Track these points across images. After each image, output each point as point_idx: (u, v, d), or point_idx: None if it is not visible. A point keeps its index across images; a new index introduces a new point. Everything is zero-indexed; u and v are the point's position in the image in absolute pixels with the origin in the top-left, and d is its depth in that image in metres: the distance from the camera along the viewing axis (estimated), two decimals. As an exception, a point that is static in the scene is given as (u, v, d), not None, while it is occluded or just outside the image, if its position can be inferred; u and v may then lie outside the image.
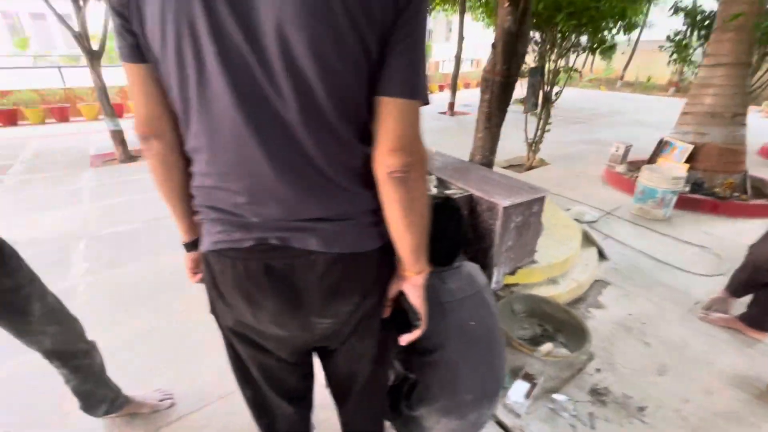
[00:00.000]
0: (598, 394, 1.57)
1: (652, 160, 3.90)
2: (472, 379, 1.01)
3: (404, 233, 0.66)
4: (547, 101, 4.19)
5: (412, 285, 0.75)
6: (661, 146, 3.89)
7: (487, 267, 1.87)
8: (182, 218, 0.77)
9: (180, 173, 0.69)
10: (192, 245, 0.82)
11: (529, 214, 2.17)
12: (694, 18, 4.26)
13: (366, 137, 0.62)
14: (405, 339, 0.81)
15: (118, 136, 4.65)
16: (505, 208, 1.96)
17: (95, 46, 4.25)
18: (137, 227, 2.97)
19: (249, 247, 0.64)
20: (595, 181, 4.18)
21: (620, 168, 4.05)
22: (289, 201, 0.61)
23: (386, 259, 0.73)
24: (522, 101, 4.06)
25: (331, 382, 0.92)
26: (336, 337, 0.77)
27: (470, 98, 9.68)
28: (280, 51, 0.51)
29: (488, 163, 2.51)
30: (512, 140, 5.83)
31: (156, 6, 0.51)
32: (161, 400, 1.54)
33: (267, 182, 0.59)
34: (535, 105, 3.98)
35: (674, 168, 3.20)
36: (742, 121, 3.53)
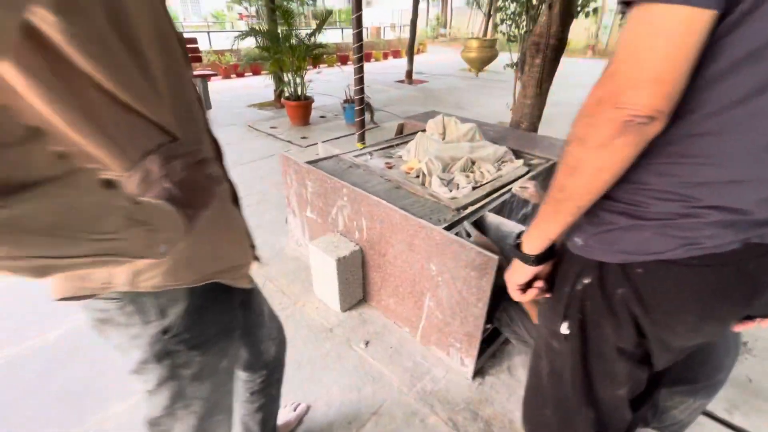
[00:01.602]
0: (707, 337, 1.72)
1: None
2: (726, 360, 1.01)
3: None
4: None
5: None
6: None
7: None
8: (568, 226, 0.60)
9: None
10: (546, 256, 0.66)
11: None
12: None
13: None
14: (743, 327, 0.76)
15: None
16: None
17: None
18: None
19: (731, 250, 0.52)
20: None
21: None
22: None
23: None
24: (514, 65, 4.09)
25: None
26: None
27: (419, 66, 9.54)
28: None
29: (534, 130, 2.49)
30: (485, 105, 5.94)
31: None
32: (295, 409, 1.36)
33: None
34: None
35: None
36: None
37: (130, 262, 0.46)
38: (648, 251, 0.55)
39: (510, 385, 1.49)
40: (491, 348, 1.61)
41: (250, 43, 4.85)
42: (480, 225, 1.57)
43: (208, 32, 9.44)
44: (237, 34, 4.52)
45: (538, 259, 0.67)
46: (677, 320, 0.59)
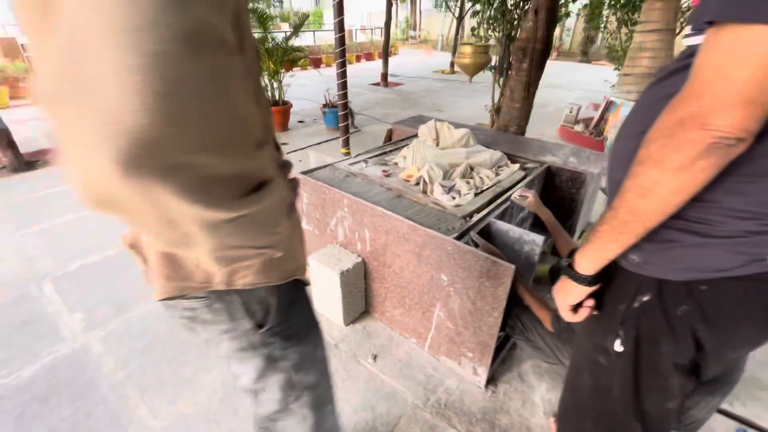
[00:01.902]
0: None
1: (602, 118, 4.41)
2: (744, 358, 1.04)
3: None
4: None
5: None
6: (608, 105, 4.42)
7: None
8: (629, 246, 0.59)
9: None
10: (601, 276, 0.65)
11: (599, 180, 2.27)
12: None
13: None
14: None
15: (4, 137, 3.45)
16: (593, 175, 2.00)
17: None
18: (111, 255, 2.29)
19: None
20: (557, 141, 4.58)
21: (578, 127, 4.50)
22: None
23: None
24: (492, 68, 4.16)
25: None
26: None
27: (392, 68, 9.55)
28: None
29: (522, 133, 2.52)
30: (462, 107, 6.02)
31: None
32: None
33: None
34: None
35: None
36: (670, 79, 4.20)
37: (273, 256, 0.49)
38: (715, 268, 0.54)
39: (523, 392, 1.49)
40: (500, 355, 1.61)
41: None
42: (486, 232, 1.56)
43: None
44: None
45: (594, 280, 0.65)
46: (738, 334, 0.59)
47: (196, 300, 0.55)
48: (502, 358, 1.61)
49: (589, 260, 0.64)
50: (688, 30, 0.55)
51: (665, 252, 0.58)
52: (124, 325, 1.77)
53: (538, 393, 1.48)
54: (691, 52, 0.54)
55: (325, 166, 2.00)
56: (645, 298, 0.62)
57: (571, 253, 0.69)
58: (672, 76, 0.57)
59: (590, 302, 0.70)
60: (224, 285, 0.52)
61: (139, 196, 0.26)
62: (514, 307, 1.42)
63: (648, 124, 0.59)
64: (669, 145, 0.48)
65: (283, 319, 0.61)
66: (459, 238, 1.41)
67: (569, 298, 0.70)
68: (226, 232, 0.33)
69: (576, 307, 0.71)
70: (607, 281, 0.68)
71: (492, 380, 1.53)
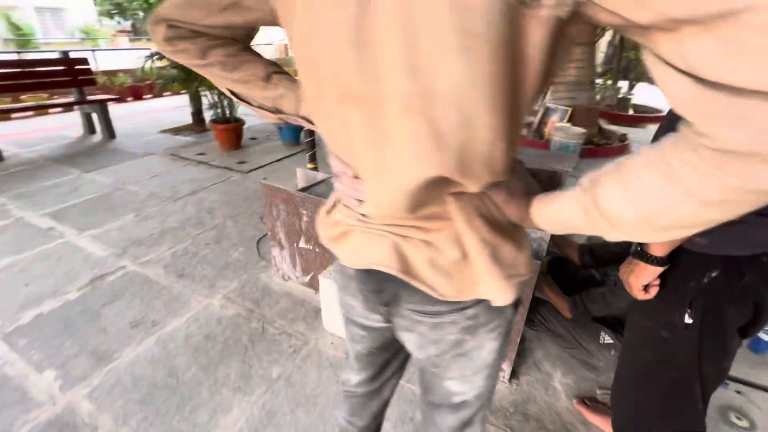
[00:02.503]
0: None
1: (542, 121, 4.86)
2: None
3: None
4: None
5: None
6: (546, 111, 4.89)
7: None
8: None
9: None
10: (671, 256, 0.74)
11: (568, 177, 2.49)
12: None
13: None
14: None
15: None
16: (565, 173, 2.21)
17: None
18: (72, 300, 2.01)
19: None
20: (506, 145, 4.94)
21: (522, 132, 4.91)
22: None
23: None
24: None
25: None
26: None
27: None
28: None
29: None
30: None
31: None
32: None
33: None
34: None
35: (575, 127, 4.13)
36: (594, 86, 4.77)
37: None
38: None
39: (543, 380, 1.59)
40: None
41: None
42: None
43: (93, 50, 8.14)
44: (148, 52, 4.02)
45: (666, 260, 0.75)
46: None
47: (478, 305, 0.54)
48: (517, 352, 1.70)
49: (663, 243, 0.73)
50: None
51: (732, 233, 0.68)
52: (111, 377, 1.56)
53: (556, 379, 1.59)
54: None
55: (320, 182, 1.97)
56: (714, 274, 0.72)
57: None
58: None
59: (657, 281, 0.80)
60: (527, 275, 0.53)
61: None
62: (531, 301, 1.52)
63: None
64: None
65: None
66: (477, 241, 1.47)
67: (643, 278, 0.78)
68: None
69: (645, 287, 0.80)
70: (673, 262, 0.78)
71: (513, 374, 1.61)
